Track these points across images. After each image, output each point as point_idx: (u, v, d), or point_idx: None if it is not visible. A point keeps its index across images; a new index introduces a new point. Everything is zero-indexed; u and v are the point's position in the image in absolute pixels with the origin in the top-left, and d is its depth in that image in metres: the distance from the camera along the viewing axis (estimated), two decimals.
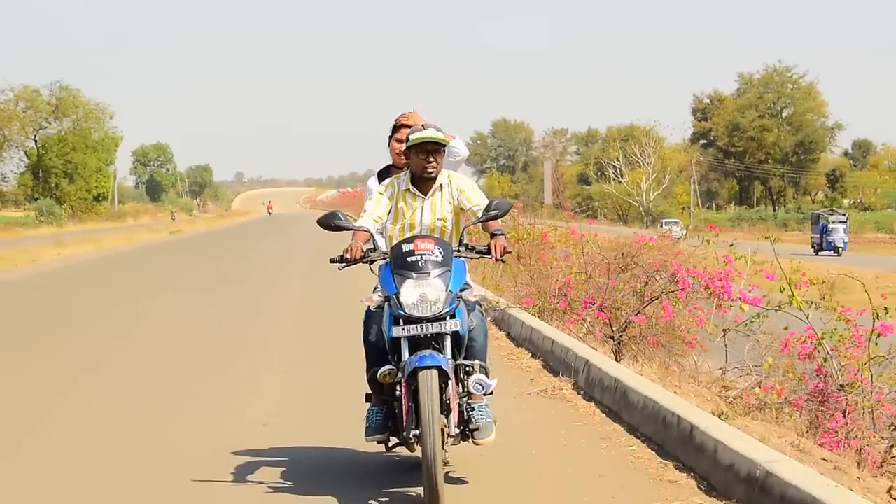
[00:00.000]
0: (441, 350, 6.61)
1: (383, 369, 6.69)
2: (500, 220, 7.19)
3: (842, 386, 9.60)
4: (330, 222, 6.97)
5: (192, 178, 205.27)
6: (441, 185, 7.29)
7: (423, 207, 7.28)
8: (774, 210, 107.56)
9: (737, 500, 6.74)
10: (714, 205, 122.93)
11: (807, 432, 9.50)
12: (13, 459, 8.30)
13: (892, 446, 9.26)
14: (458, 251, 6.98)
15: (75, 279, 30.03)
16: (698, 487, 7.15)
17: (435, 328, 6.57)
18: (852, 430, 9.29)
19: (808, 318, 10.18)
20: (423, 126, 7.20)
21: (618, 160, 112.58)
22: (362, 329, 7.18)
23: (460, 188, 7.28)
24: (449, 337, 6.65)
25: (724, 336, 12.20)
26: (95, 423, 9.43)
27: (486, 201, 7.14)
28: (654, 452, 8.12)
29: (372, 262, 6.94)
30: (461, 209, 7.32)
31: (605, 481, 7.49)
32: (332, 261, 6.97)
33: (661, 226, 62.20)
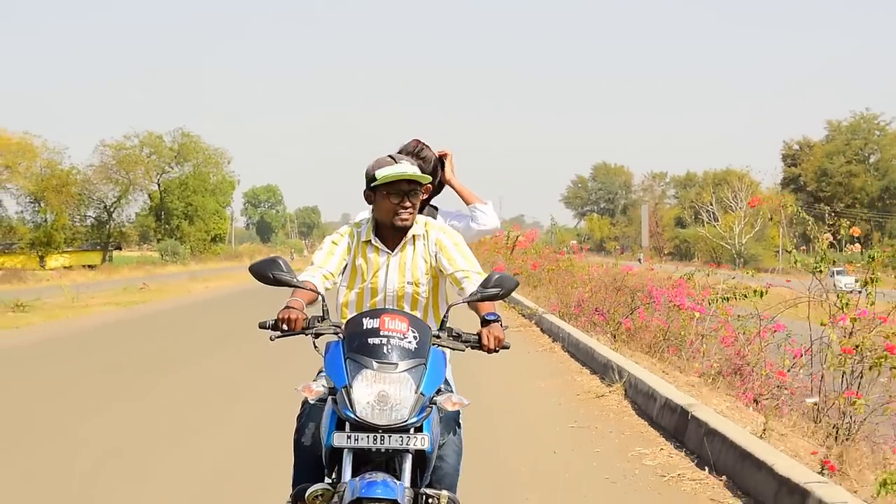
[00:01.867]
0: (397, 474, 4.75)
1: (314, 488, 4.86)
2: (496, 302, 5.34)
3: (747, 363, 13.59)
4: (266, 272, 5.07)
5: (300, 219, 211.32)
6: (414, 235, 5.58)
7: (388, 266, 5.56)
8: (862, 254, 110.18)
9: (665, 425, 10.53)
10: (809, 248, 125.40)
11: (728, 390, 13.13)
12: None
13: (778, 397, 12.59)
14: (439, 337, 5.07)
15: (228, 302, 38.59)
16: (633, 410, 11.61)
17: (394, 443, 4.70)
18: (749, 387, 13.02)
19: (738, 318, 14.07)
20: (391, 158, 5.53)
21: (711, 204, 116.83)
22: (295, 425, 5.41)
23: (440, 242, 5.57)
24: (410, 457, 4.78)
25: (701, 339, 15.79)
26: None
27: (475, 266, 5.54)
28: (594, 376, 13.79)
29: (318, 335, 5.09)
30: (440, 272, 5.59)
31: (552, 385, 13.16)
32: (261, 326, 5.08)
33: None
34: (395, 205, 5.42)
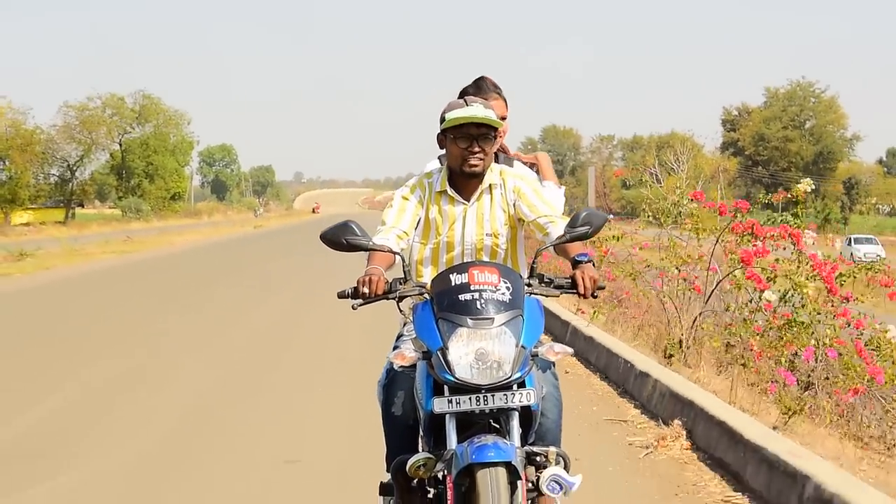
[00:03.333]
0: (506, 433, 4.37)
1: (416, 458, 4.45)
2: (587, 240, 4.99)
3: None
4: (339, 238, 4.62)
5: (254, 178, 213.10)
6: (490, 185, 5.11)
7: (465, 218, 5.10)
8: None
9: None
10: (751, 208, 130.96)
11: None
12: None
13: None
14: (531, 285, 4.62)
15: (211, 250, 44.81)
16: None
17: (498, 402, 4.29)
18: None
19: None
20: (465, 101, 4.97)
21: (654, 166, 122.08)
22: (380, 396, 4.99)
23: (518, 190, 5.10)
24: (517, 415, 4.38)
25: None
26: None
27: (558, 209, 5.24)
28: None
29: (401, 298, 4.67)
30: (520, 220, 5.12)
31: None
32: (340, 295, 4.64)
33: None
34: (463, 149, 4.92)
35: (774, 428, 7.75)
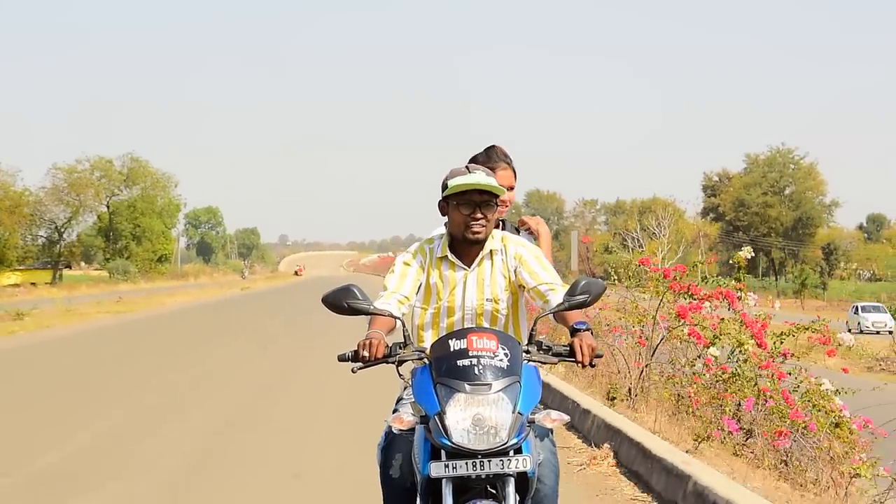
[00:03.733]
0: (502, 499, 4.47)
1: None
2: (585, 309, 4.95)
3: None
4: (341, 302, 4.70)
5: (240, 240, 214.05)
6: (491, 251, 5.21)
7: (465, 283, 5.18)
8: (776, 280, 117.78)
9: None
10: (729, 275, 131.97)
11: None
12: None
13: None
14: (528, 352, 4.68)
15: (201, 311, 46.53)
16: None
17: (494, 467, 4.36)
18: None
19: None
20: (467, 168, 5.09)
21: (636, 231, 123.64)
22: (379, 458, 5.04)
23: (520, 256, 5.21)
24: (513, 480, 4.45)
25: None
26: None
27: (558, 278, 5.18)
28: None
29: (401, 362, 4.73)
30: (521, 287, 5.21)
31: None
32: (341, 359, 4.73)
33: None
34: (465, 216, 5.02)
35: (687, 451, 9.29)
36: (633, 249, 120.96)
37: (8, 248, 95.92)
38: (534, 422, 4.50)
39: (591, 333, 4.75)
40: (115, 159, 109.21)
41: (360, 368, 4.73)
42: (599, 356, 4.72)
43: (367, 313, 4.76)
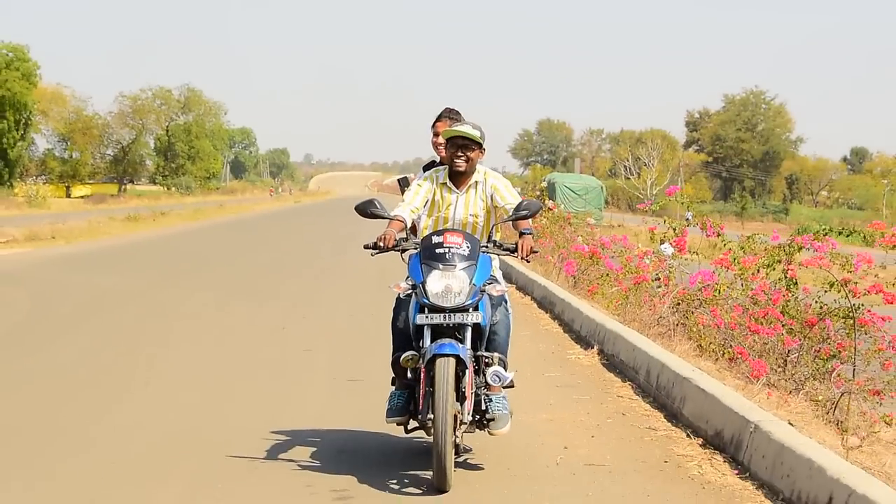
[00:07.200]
0: (462, 340, 6.10)
1: (406, 354, 6.20)
2: (530, 220, 6.44)
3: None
4: (366, 210, 6.37)
5: (270, 159, 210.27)
6: (476, 181, 6.64)
7: (457, 202, 6.66)
8: (754, 203, 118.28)
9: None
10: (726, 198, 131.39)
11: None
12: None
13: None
14: (486, 247, 6.35)
15: (278, 216, 57.90)
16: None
17: (457, 318, 6.06)
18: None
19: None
20: (459, 120, 6.75)
21: (628, 160, 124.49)
22: (392, 315, 6.61)
23: (494, 186, 6.64)
24: (470, 328, 6.13)
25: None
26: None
27: (519, 200, 6.54)
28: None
29: (404, 250, 6.42)
30: (494, 207, 6.67)
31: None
32: (365, 247, 6.45)
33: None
34: (452, 153, 6.50)
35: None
36: (626, 177, 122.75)
37: (80, 165, 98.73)
38: (484, 290, 6.25)
39: (532, 237, 6.42)
40: (173, 89, 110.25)
41: (377, 253, 6.45)
42: (535, 252, 6.42)
43: (384, 218, 6.47)
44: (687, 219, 13.37)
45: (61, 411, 8.44)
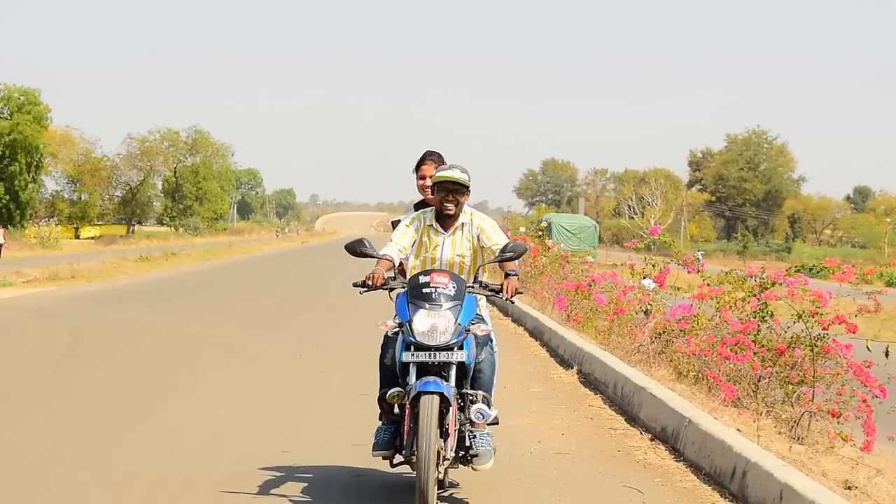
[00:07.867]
0: (447, 378, 6.23)
1: (392, 391, 6.39)
2: (515, 261, 6.60)
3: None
4: (356, 249, 6.57)
5: (276, 200, 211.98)
6: (463, 223, 6.79)
7: (443, 243, 6.81)
8: (757, 242, 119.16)
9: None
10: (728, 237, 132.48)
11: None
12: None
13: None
14: (472, 287, 6.51)
15: (282, 257, 59.11)
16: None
17: (442, 357, 6.21)
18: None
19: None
20: (447, 165, 6.81)
21: (632, 199, 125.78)
22: (379, 352, 6.76)
23: (481, 227, 6.79)
24: (454, 366, 6.28)
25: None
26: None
27: (505, 241, 6.69)
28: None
29: (391, 289, 6.60)
30: (481, 247, 6.81)
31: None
32: (354, 285, 6.60)
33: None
34: (442, 197, 6.68)
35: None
36: (630, 217, 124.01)
37: (89, 206, 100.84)
38: (469, 329, 6.39)
39: (517, 278, 6.61)
40: (181, 131, 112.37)
41: (365, 291, 6.59)
42: (520, 293, 6.63)
43: (373, 257, 6.60)
44: (697, 258, 13.68)
45: (101, 424, 9.65)
